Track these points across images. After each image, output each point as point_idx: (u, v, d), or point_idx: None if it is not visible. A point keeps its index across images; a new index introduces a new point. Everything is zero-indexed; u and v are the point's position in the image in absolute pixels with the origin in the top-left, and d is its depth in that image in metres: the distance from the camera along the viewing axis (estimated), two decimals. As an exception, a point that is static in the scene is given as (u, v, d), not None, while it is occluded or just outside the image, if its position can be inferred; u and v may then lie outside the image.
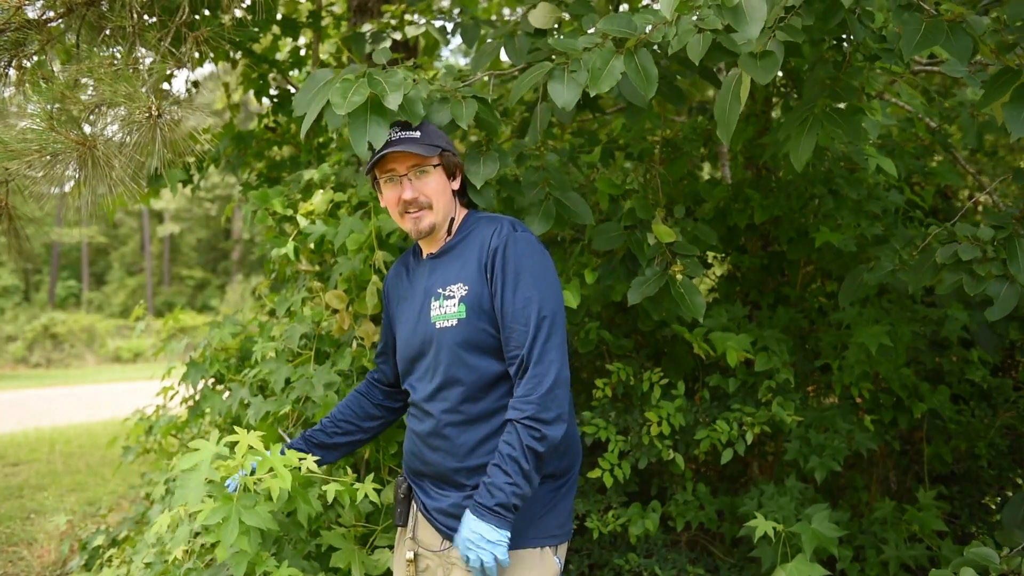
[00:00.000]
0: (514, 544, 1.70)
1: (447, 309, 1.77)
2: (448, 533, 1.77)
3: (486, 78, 2.43)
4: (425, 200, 1.83)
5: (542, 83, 2.01)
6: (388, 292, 2.03)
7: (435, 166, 1.84)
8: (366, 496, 2.03)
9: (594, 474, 2.63)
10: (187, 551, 2.47)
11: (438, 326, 1.78)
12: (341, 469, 2.30)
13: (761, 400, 2.76)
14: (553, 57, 2.12)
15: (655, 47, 1.90)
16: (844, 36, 2.26)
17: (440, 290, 1.79)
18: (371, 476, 2.13)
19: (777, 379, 2.74)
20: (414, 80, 1.96)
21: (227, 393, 3.03)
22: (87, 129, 1.88)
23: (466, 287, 1.75)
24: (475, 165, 2.13)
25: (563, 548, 1.80)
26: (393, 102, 1.84)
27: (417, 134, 1.84)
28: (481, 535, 1.61)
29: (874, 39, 2.16)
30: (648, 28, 1.88)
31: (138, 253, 29.07)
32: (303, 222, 2.68)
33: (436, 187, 1.84)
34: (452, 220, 1.88)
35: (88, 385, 13.86)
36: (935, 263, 2.22)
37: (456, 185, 1.91)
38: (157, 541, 2.57)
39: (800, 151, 2.04)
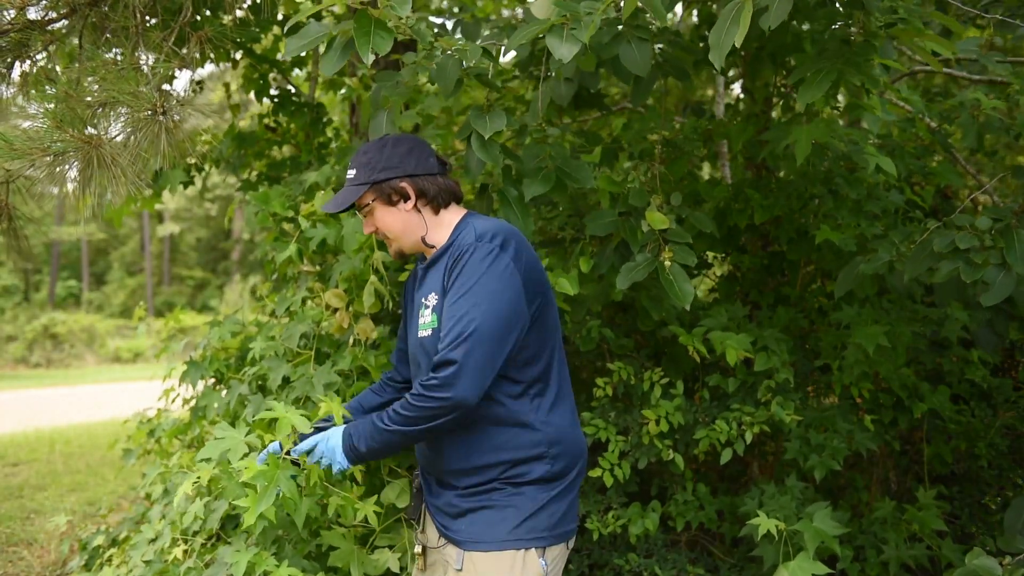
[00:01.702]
0: (495, 544, 1.72)
1: (425, 319, 1.82)
2: (442, 530, 1.81)
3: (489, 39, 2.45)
4: (382, 233, 1.91)
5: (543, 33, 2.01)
6: (405, 296, 2.07)
7: (370, 203, 1.87)
8: (367, 496, 2.05)
9: (595, 473, 2.64)
10: (187, 551, 2.47)
11: (420, 335, 1.84)
12: (348, 480, 2.30)
13: (761, 400, 2.77)
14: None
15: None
16: (851, 20, 2.26)
17: (423, 300, 1.85)
18: (374, 499, 2.17)
19: (777, 379, 2.75)
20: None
21: (225, 391, 3.03)
22: (90, 129, 1.88)
23: (437, 297, 1.79)
24: (481, 120, 2.14)
25: (554, 551, 1.78)
26: (404, 10, 1.84)
27: (353, 173, 1.87)
28: (331, 451, 1.78)
29: (886, 14, 2.17)
30: None
31: (138, 253, 29.06)
32: (305, 224, 2.68)
33: (383, 220, 1.89)
34: (423, 237, 1.88)
35: (88, 385, 13.86)
36: (932, 252, 2.22)
37: (409, 206, 1.87)
38: (156, 537, 2.57)
39: (813, 90, 2.02)
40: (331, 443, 1.80)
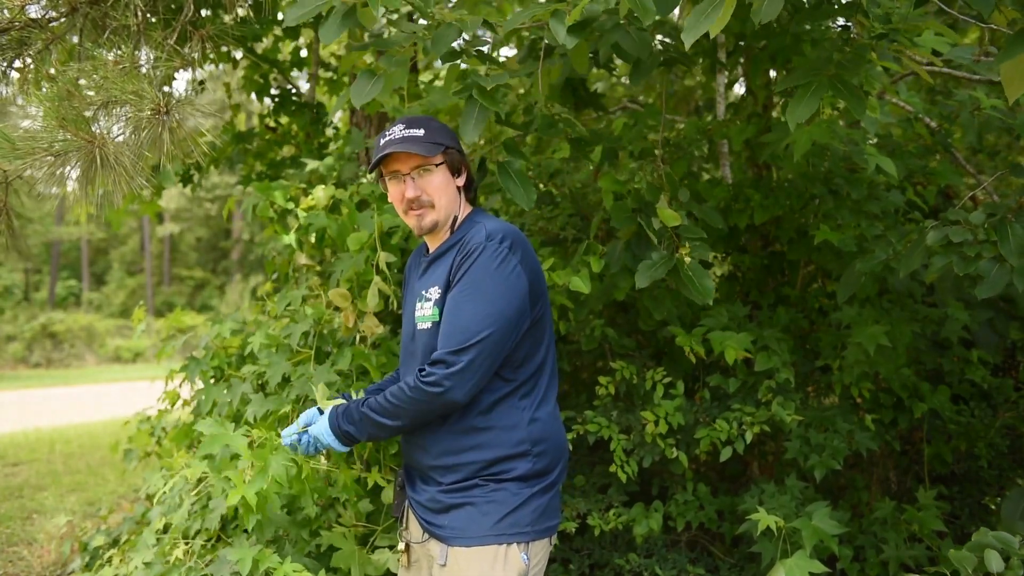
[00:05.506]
0: (477, 539, 1.73)
1: (425, 311, 1.83)
2: (426, 526, 1.82)
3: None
4: (427, 199, 1.85)
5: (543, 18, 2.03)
6: (405, 282, 2.08)
7: (438, 164, 1.85)
8: (367, 496, 2.05)
9: (612, 468, 2.64)
10: (187, 551, 2.47)
11: (419, 327, 1.84)
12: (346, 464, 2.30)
13: (761, 400, 2.77)
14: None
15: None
16: (848, 22, 2.26)
17: (424, 291, 1.85)
18: (376, 469, 2.16)
19: (777, 379, 2.75)
20: None
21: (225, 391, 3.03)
22: (94, 128, 1.88)
23: (440, 291, 1.80)
24: (483, 77, 2.15)
25: (537, 546, 1.78)
26: None
27: (420, 132, 1.84)
28: (321, 439, 1.83)
29: (881, 21, 2.16)
30: None
31: (138, 253, 29.05)
32: (304, 216, 2.68)
33: (439, 185, 1.86)
34: (455, 218, 1.89)
35: (88, 385, 13.86)
36: (926, 248, 2.21)
37: (461, 181, 1.91)
38: (158, 541, 2.57)
39: (800, 111, 2.00)
40: (317, 430, 1.84)
